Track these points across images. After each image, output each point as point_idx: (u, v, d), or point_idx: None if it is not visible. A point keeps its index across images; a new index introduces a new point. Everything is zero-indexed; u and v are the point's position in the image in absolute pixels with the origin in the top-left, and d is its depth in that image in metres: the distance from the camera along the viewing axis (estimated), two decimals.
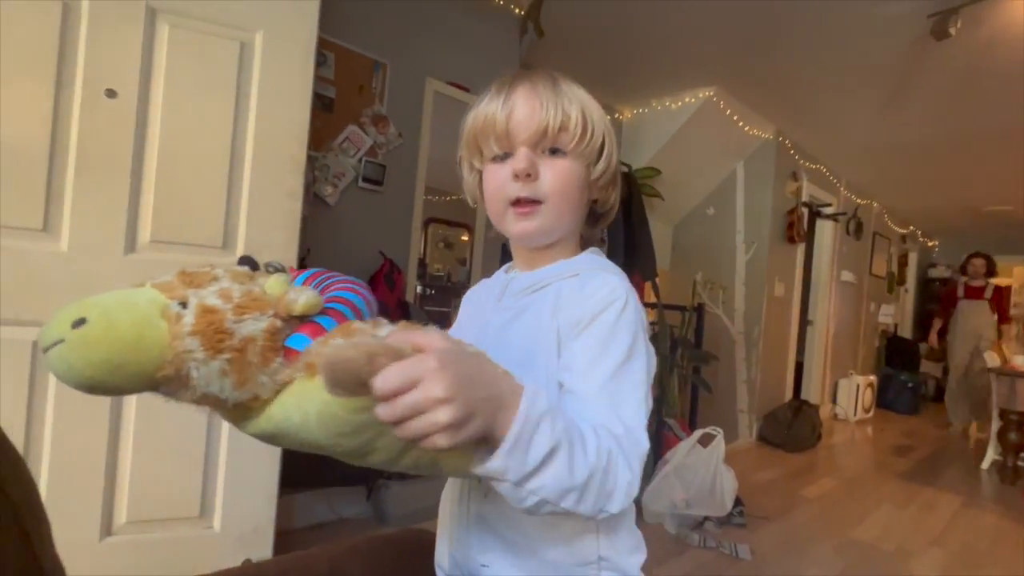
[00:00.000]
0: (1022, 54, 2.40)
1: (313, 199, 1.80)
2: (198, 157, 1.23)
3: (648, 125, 3.34)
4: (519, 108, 0.53)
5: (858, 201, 4.90)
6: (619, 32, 2.54)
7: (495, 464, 0.37)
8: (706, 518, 2.07)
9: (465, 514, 0.56)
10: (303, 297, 0.41)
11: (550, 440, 0.38)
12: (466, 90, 2.21)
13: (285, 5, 1.29)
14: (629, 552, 0.54)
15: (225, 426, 1.28)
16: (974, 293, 4.52)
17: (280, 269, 0.47)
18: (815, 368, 4.45)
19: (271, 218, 1.31)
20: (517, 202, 0.54)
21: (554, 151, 0.54)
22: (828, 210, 4.30)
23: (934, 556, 2.05)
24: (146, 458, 1.20)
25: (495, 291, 0.62)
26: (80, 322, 0.36)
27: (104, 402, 1.15)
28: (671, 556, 1.84)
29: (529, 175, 0.53)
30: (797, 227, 3.81)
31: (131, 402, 1.18)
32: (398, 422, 0.34)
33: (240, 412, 0.41)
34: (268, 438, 0.42)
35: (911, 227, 6.40)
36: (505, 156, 0.55)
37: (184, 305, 0.39)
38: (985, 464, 3.38)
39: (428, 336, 0.37)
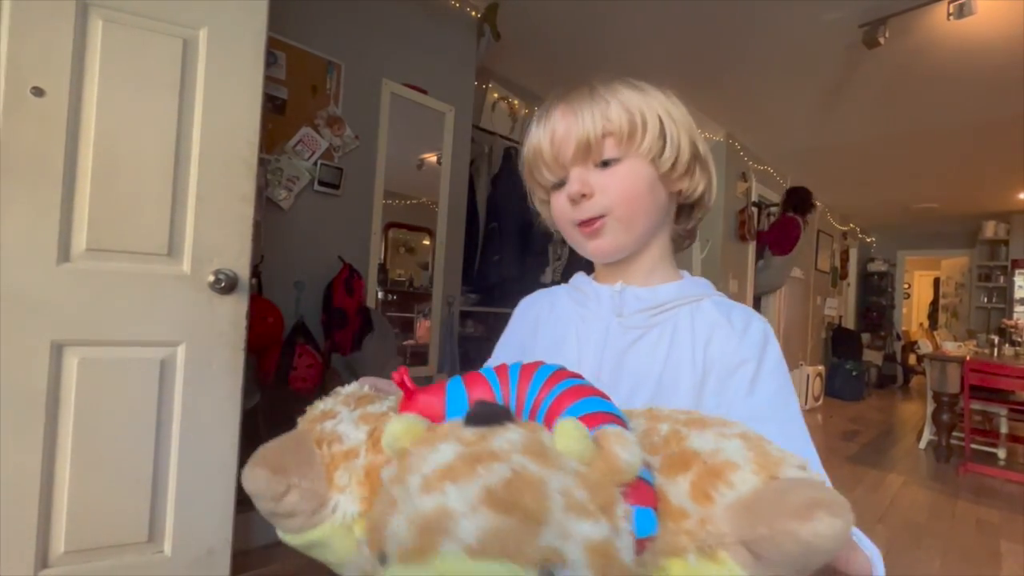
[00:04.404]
0: (944, 63, 2.60)
1: (266, 204, 1.73)
2: (139, 159, 1.17)
3: None
4: (558, 129, 0.51)
5: None
6: (575, 37, 2.58)
7: None
8: None
9: None
10: (634, 451, 0.25)
11: None
12: (423, 92, 2.19)
13: (231, 3, 1.24)
14: None
15: (175, 442, 1.21)
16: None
17: (505, 414, 0.28)
18: None
19: (222, 223, 1.25)
20: (582, 223, 0.52)
21: (606, 162, 0.50)
22: (775, 209, 4.51)
23: (880, 533, 2.18)
24: (86, 479, 1.12)
25: (602, 303, 0.55)
26: None
27: (37, 418, 1.07)
28: None
29: (584, 195, 0.50)
30: (748, 226, 3.98)
31: (67, 417, 1.10)
32: None
33: None
34: None
35: (851, 224, 6.81)
36: (562, 183, 0.52)
37: (563, 563, 0.22)
38: (923, 444, 3.62)
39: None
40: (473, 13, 2.37)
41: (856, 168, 4.50)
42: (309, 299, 1.85)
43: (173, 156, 1.20)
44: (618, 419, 0.28)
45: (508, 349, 0.63)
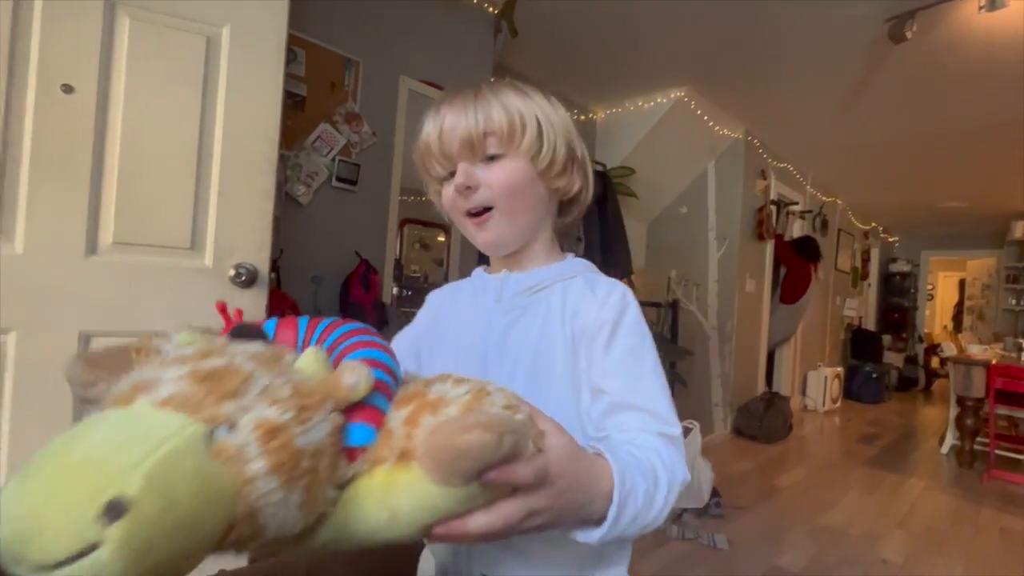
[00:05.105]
0: (974, 58, 2.53)
1: (285, 199, 1.76)
2: (163, 155, 1.19)
3: (621, 125, 3.39)
4: (446, 125, 0.55)
5: (823, 198, 5.07)
6: (592, 33, 2.56)
7: (588, 541, 0.42)
8: (684, 510, 2.11)
9: None
10: (362, 377, 0.32)
11: (632, 515, 0.42)
12: (441, 89, 2.20)
13: (254, 1, 1.26)
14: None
15: None
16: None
17: (257, 333, 0.36)
18: (785, 361, 4.59)
19: (242, 218, 1.27)
20: (471, 214, 0.56)
21: (491, 157, 0.54)
22: (795, 208, 4.43)
23: (899, 538, 2.14)
24: None
25: (489, 291, 0.61)
26: (117, 506, 0.23)
27: (65, 408, 1.10)
28: (652, 549, 1.86)
29: (469, 187, 0.54)
30: (766, 224, 3.92)
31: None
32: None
33: (297, 538, 0.31)
34: (325, 547, 0.33)
35: (873, 223, 6.66)
36: (451, 175, 0.56)
37: (232, 427, 0.28)
38: (945, 449, 3.53)
39: (551, 422, 0.38)
40: (491, 9, 2.37)
41: (880, 166, 4.40)
42: (326, 293, 1.87)
43: (196, 152, 1.22)
44: (385, 366, 0.36)
45: (404, 337, 0.67)
